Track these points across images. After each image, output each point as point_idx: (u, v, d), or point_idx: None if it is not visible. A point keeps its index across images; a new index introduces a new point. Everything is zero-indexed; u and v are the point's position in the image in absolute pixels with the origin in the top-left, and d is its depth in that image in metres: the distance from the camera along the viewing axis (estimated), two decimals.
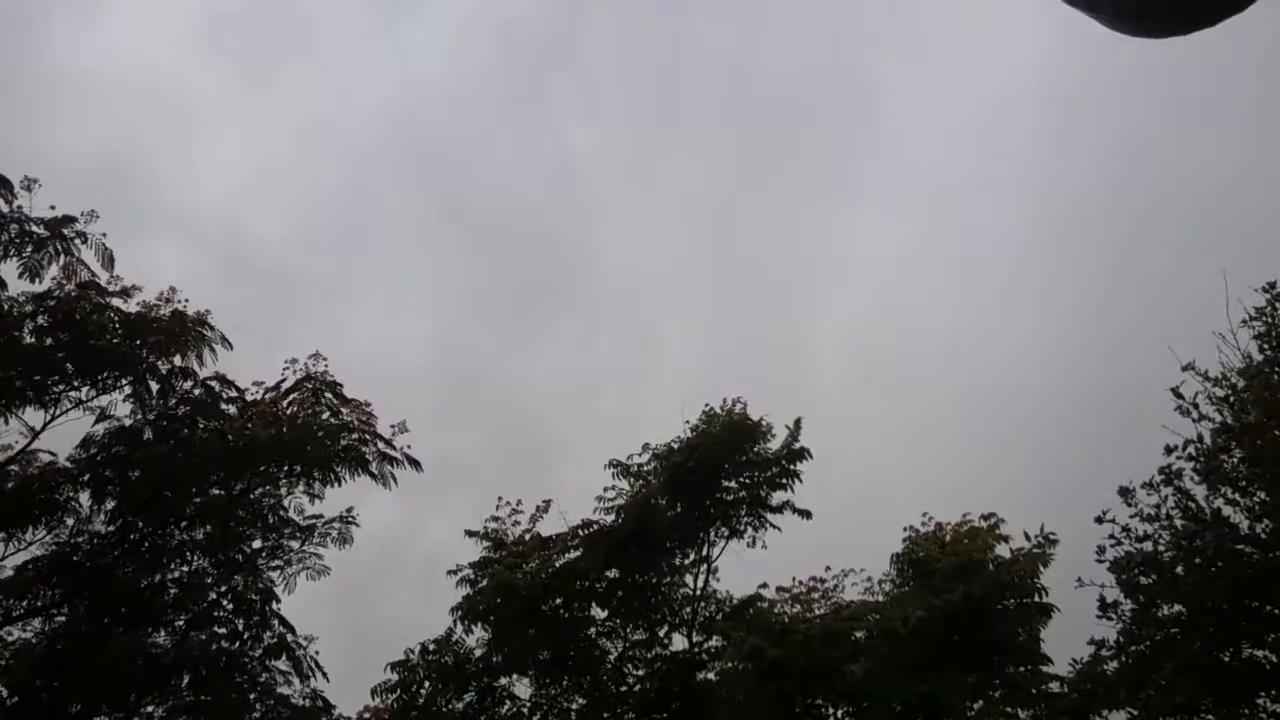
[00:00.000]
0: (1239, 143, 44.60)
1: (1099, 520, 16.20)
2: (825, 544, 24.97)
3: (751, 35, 62.95)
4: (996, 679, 20.14)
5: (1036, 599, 20.12)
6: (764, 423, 23.73)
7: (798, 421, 23.63)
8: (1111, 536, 16.11)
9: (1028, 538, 20.55)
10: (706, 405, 24.04)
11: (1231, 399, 15.99)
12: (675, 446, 23.65)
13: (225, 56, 62.17)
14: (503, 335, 62.39)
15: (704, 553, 23.82)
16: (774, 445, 23.63)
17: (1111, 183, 53.03)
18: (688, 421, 23.89)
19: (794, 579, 22.87)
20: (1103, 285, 49.77)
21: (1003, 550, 20.94)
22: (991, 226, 59.99)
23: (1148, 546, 15.96)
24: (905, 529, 22.19)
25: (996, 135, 61.70)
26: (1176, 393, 15.99)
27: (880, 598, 21.92)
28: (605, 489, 23.59)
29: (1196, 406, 15.97)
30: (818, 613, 21.91)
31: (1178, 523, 15.88)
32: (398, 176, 66.16)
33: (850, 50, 64.93)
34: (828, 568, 22.70)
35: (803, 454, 23.33)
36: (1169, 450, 15.95)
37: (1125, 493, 16.13)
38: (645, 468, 23.85)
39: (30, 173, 19.13)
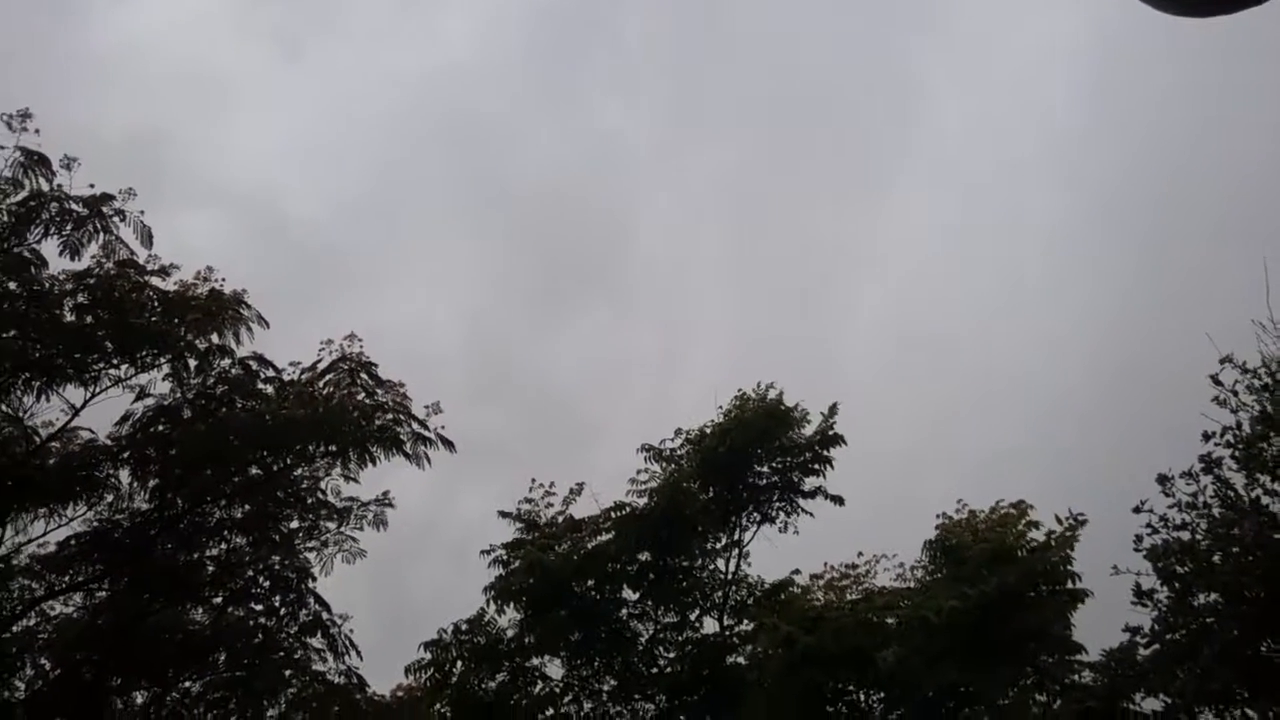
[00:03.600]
0: (1277, 127, 43.96)
1: (1137, 510, 16.07)
2: (857, 528, 24.95)
3: (788, 20, 62.63)
4: (1029, 667, 20.04)
5: (1069, 584, 19.99)
6: (798, 408, 23.66)
7: (833, 407, 23.55)
8: (1149, 525, 16.00)
9: (1059, 521, 20.43)
10: (739, 390, 23.99)
11: (1271, 387, 15.78)
12: (708, 431, 23.61)
13: (258, 31, 62.55)
14: (535, 317, 62.82)
15: (735, 537, 23.86)
16: (807, 431, 23.56)
17: (1147, 167, 52.53)
18: (720, 406, 23.91)
19: (825, 564, 22.90)
20: (1138, 271, 49.36)
21: (1035, 535, 20.81)
22: (1026, 214, 59.54)
23: (1185, 535, 15.83)
24: (938, 515, 22.08)
25: (1030, 126, 61.23)
26: (1216, 380, 15.80)
27: (913, 584, 21.86)
28: (638, 472, 23.59)
29: (1235, 394, 15.78)
30: (850, 599, 21.90)
31: (1215, 511, 15.73)
32: (434, 155, 66.50)
33: (887, 38, 64.56)
34: (860, 553, 22.71)
35: (837, 440, 23.23)
36: (1207, 437, 15.79)
37: (1164, 481, 15.99)
38: (678, 452, 23.83)
39: (65, 150, 19.22)
